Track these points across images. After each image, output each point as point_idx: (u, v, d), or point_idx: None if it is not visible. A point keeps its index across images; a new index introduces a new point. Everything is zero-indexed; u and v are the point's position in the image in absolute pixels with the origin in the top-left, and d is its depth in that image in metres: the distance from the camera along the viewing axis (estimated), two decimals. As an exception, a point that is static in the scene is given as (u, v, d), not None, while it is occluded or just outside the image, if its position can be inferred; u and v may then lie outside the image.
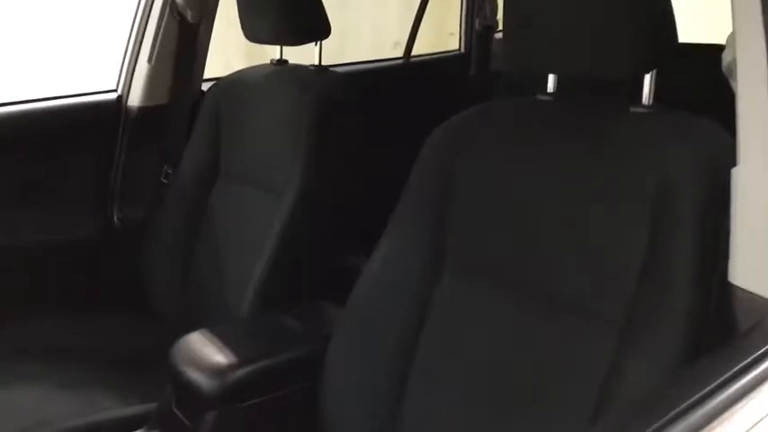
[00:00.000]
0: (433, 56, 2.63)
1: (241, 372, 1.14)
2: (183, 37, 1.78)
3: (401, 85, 2.32)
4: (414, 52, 2.42)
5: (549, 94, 1.08)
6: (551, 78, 1.08)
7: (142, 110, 1.81)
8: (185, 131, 1.79)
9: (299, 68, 1.64)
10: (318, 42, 1.63)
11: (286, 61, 1.69)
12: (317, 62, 1.65)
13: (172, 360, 1.18)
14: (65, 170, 1.77)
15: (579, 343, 0.94)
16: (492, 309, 1.05)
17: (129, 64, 1.81)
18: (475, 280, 1.07)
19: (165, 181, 1.82)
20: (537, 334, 0.99)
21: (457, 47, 2.58)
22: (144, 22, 1.78)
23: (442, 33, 2.83)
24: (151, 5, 1.75)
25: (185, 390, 1.15)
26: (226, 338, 1.23)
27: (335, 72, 1.62)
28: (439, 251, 1.10)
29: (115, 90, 1.84)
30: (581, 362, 0.93)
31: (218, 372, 1.13)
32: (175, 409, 1.18)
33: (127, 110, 1.82)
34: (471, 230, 1.08)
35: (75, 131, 1.78)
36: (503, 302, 1.04)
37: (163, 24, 1.75)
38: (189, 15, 1.75)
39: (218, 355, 1.17)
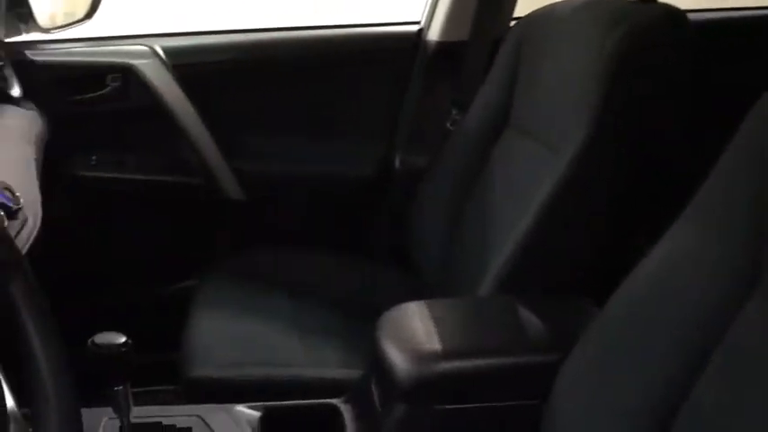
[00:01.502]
0: None
1: (446, 365, 0.91)
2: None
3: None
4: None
5: None
6: None
7: (440, 45, 1.63)
8: (481, 73, 1.57)
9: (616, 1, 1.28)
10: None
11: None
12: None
13: (378, 329, 0.99)
14: (353, 103, 1.68)
15: None
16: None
17: (434, -7, 1.64)
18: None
19: (451, 127, 1.63)
20: None
21: None
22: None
23: None
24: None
25: (382, 369, 0.95)
26: (447, 318, 1.00)
27: (663, 5, 1.22)
28: (754, 264, 0.72)
29: (418, 23, 1.69)
30: None
31: (418, 358, 0.92)
32: (373, 388, 0.99)
33: (425, 45, 1.66)
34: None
35: (370, 64, 1.68)
36: None
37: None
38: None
39: (425, 337, 0.95)
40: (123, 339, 0.94)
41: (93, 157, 1.59)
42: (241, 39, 1.65)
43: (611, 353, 0.83)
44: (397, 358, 0.92)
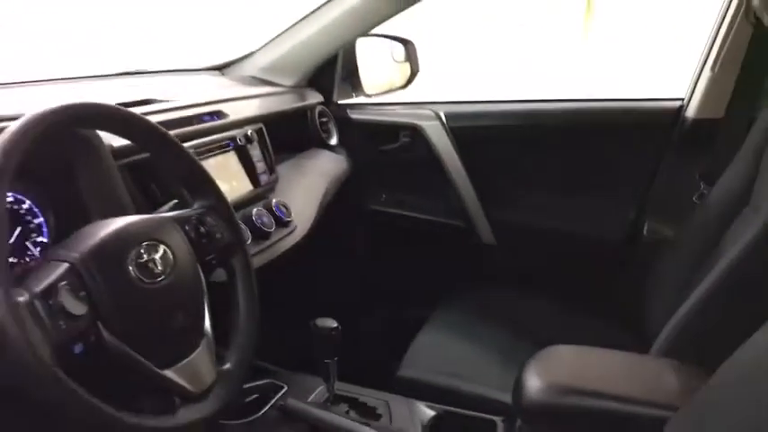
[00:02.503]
0: None
1: (568, 399, 1.04)
2: (755, 44, 1.55)
3: None
4: None
5: None
6: None
7: (696, 121, 1.68)
8: (733, 151, 1.58)
9: None
10: None
11: None
12: None
13: (529, 360, 1.15)
14: (609, 169, 1.81)
15: None
16: None
17: (695, 72, 1.69)
18: None
19: (697, 201, 1.66)
20: None
21: None
22: (716, 27, 1.62)
23: None
24: (726, 9, 1.58)
25: (518, 392, 1.12)
26: (591, 363, 1.12)
27: None
28: None
29: (681, 99, 1.75)
30: None
31: (546, 386, 1.06)
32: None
33: (683, 120, 1.72)
34: None
35: (629, 133, 1.79)
36: None
37: (733, 29, 1.57)
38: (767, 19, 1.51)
39: (560, 371, 1.09)
40: (335, 325, 1.28)
41: (384, 196, 2.00)
42: (511, 108, 1.91)
43: (713, 418, 0.88)
44: (528, 382, 1.08)
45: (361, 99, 2.01)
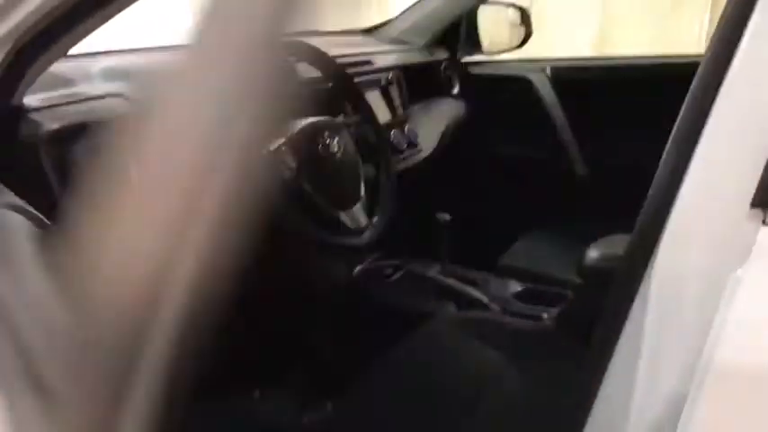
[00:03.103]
0: None
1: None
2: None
3: None
4: None
5: None
6: None
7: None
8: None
9: None
10: None
11: None
12: None
13: None
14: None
15: None
16: None
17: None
18: None
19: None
20: None
21: None
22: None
23: None
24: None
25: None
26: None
27: None
28: None
29: None
30: None
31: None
32: None
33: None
34: None
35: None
36: None
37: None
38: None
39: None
40: (449, 217, 1.73)
41: (496, 138, 2.41)
42: (616, 63, 2.26)
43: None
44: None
45: (481, 57, 2.43)
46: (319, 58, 1.40)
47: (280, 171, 1.21)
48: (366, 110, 1.47)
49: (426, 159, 1.89)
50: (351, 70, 1.74)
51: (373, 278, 1.78)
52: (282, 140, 1.25)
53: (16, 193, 0.94)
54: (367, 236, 1.33)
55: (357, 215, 1.33)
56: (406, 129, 1.87)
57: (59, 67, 1.28)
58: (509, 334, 1.42)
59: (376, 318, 1.75)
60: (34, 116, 1.07)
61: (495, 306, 1.62)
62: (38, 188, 1.02)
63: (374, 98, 1.85)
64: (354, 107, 1.47)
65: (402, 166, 1.80)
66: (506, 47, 2.41)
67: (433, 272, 1.78)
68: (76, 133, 1.10)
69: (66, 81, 1.22)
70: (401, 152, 1.80)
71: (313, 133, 1.29)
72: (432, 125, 2.04)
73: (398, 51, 2.11)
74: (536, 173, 2.33)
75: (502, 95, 2.35)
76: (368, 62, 1.88)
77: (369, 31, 2.37)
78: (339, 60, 1.46)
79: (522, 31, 2.38)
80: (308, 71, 1.48)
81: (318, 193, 1.27)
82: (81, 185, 0.63)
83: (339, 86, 1.45)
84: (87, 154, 1.08)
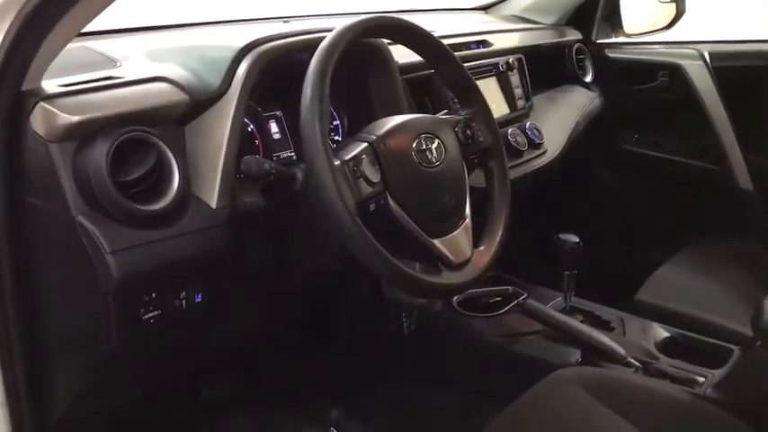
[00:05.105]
0: None
1: None
2: None
3: None
4: None
5: None
6: None
7: None
8: None
9: None
10: None
11: None
12: None
13: None
14: None
15: None
16: None
17: None
18: None
19: None
20: None
21: None
22: None
23: None
24: None
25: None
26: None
27: None
28: None
29: None
30: None
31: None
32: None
33: None
34: None
35: None
36: None
37: None
38: None
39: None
40: (577, 240, 1.38)
41: (635, 135, 2.01)
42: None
43: None
44: None
45: (620, 39, 2.03)
46: (420, 38, 1.08)
47: (358, 187, 0.91)
48: (477, 103, 1.14)
49: (551, 163, 1.54)
50: (460, 53, 1.41)
51: (470, 309, 1.46)
52: (363, 146, 0.95)
53: (27, 192, 0.85)
54: (469, 273, 1.01)
55: (459, 243, 1.01)
56: (527, 125, 1.53)
57: (85, 45, 1.05)
58: (648, 402, 1.06)
59: (473, 361, 1.44)
60: (49, 104, 0.83)
61: (632, 360, 1.26)
62: (50, 190, 0.85)
63: (488, 87, 1.51)
64: (462, 100, 1.15)
65: (520, 171, 1.46)
66: (653, 27, 2.01)
67: (552, 307, 1.43)
68: (104, 129, 0.85)
69: (94, 63, 0.97)
70: (520, 154, 1.46)
71: (405, 136, 0.98)
72: (558, 120, 1.68)
73: (520, 31, 1.77)
74: (687, 184, 1.92)
75: (646, 86, 1.94)
76: (482, 43, 1.55)
77: (486, 9, 2.03)
78: (446, 41, 1.15)
79: (672, 9, 1.96)
80: (406, 55, 1.17)
81: (409, 213, 0.96)
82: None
83: (444, 74, 1.13)
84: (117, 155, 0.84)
